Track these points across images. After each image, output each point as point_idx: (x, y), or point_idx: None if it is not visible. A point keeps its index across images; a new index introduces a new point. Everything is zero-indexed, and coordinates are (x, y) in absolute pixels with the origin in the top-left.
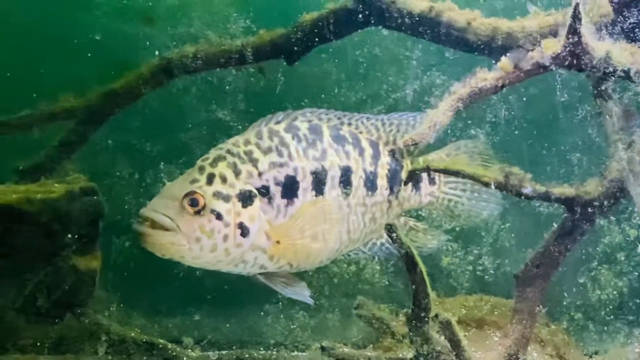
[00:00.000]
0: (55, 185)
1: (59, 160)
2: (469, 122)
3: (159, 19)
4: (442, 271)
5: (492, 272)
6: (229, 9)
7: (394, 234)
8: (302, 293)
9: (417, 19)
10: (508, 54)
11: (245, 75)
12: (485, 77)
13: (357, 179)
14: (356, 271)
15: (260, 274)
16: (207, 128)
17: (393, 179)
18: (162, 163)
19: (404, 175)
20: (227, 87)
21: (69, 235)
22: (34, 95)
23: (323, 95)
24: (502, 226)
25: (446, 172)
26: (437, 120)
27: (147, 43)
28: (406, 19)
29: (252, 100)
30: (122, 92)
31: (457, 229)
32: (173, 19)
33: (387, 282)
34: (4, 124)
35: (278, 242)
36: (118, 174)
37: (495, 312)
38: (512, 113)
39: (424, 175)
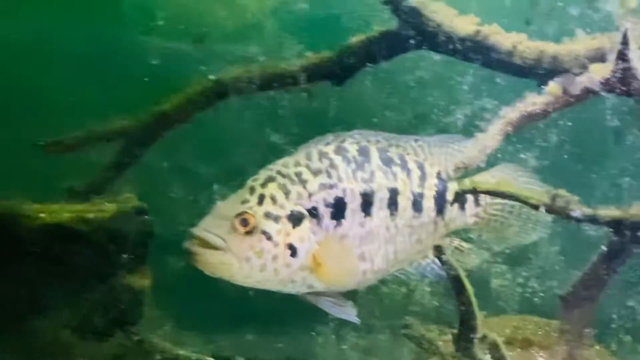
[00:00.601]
0: (107, 204)
1: (110, 180)
2: (519, 146)
3: (213, 43)
4: (491, 293)
5: (541, 294)
6: (282, 33)
7: (443, 256)
8: (348, 312)
9: (464, 42)
10: (556, 79)
11: (298, 99)
12: (534, 101)
13: (404, 201)
14: (407, 293)
15: (308, 293)
16: (260, 151)
17: (439, 200)
18: (216, 185)
19: (450, 196)
20: (280, 111)
21: (123, 255)
22: (90, 118)
23: (375, 119)
24: (551, 249)
25: (493, 193)
26: (486, 144)
27: (202, 67)
28: (453, 42)
29: (304, 123)
30: (173, 113)
31: (507, 251)
32: (227, 43)
33: (437, 304)
34: (57, 144)
35: (325, 262)
36: (172, 195)
37: (539, 333)
38: (562, 137)
39: (470, 196)
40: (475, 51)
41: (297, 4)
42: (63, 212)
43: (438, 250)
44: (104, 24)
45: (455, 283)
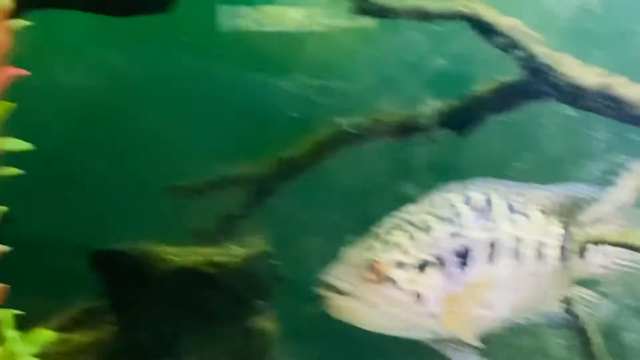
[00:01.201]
0: (235, 248)
1: (238, 224)
2: None
3: (349, 95)
4: (624, 347)
5: None
6: (418, 87)
7: (569, 306)
8: (470, 358)
9: (590, 93)
10: None
11: (427, 148)
12: None
13: (527, 249)
14: (536, 344)
15: (432, 339)
16: (390, 200)
17: (563, 249)
18: (346, 233)
19: (573, 245)
20: (411, 160)
21: (252, 299)
22: (219, 162)
23: (502, 169)
24: None
25: (621, 245)
26: (619, 199)
27: (336, 118)
28: (577, 93)
29: (434, 172)
30: (302, 159)
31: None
32: (363, 95)
33: (567, 356)
34: (188, 188)
35: (450, 310)
36: (301, 240)
37: None
38: None
39: (595, 246)
40: (602, 103)
41: (435, 60)
42: (193, 255)
43: (565, 301)
44: (236, 68)
45: (582, 335)
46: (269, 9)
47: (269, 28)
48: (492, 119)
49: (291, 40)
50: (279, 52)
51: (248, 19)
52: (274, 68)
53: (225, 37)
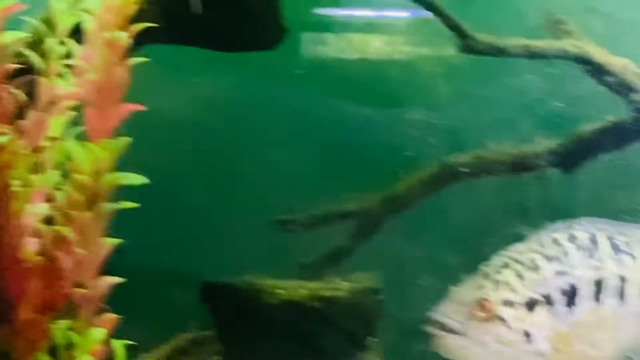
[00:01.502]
0: (341, 282)
1: (343, 258)
2: None
3: (446, 130)
4: None
5: None
6: (533, 128)
7: None
8: None
9: None
10: None
11: (537, 187)
12: None
13: (632, 288)
14: None
15: None
16: (500, 239)
17: None
18: (458, 271)
19: None
20: (522, 199)
21: (357, 334)
22: (324, 197)
23: (607, 206)
24: None
25: None
26: None
27: (436, 153)
28: None
29: (545, 212)
30: (405, 196)
31: None
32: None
33: None
34: (294, 222)
35: (558, 348)
36: (406, 277)
37: None
38: None
39: None
40: None
41: (552, 102)
42: (299, 288)
43: None
44: (340, 102)
45: None
46: (353, 37)
47: (353, 55)
48: (601, 158)
49: (384, 71)
50: (378, 84)
51: (333, 47)
52: (378, 102)
53: (326, 69)
